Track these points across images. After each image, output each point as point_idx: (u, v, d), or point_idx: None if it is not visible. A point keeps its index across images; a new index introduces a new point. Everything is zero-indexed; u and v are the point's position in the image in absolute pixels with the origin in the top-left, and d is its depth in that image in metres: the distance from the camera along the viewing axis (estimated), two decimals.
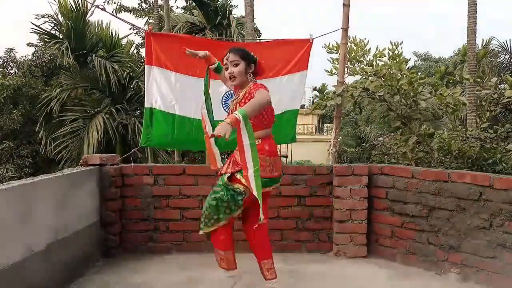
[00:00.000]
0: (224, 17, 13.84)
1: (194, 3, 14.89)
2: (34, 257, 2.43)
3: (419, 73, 5.52)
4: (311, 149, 22.77)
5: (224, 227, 2.44)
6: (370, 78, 4.77)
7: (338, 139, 4.61)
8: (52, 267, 2.64)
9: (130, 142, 11.17)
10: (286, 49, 4.10)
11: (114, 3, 19.57)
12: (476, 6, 8.51)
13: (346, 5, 4.24)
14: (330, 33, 4.30)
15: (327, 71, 5.01)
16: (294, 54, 4.05)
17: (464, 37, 9.77)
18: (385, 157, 6.73)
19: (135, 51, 16.21)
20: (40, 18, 12.25)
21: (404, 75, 4.55)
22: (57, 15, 12.19)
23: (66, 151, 10.97)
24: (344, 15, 4.24)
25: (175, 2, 37.81)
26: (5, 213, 2.21)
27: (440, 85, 5.10)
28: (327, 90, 24.69)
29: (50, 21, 12.34)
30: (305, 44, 4.05)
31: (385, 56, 4.97)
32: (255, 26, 10.09)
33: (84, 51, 11.83)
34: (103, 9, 3.94)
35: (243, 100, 2.42)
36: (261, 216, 2.26)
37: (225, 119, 2.09)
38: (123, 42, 13.45)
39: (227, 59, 2.49)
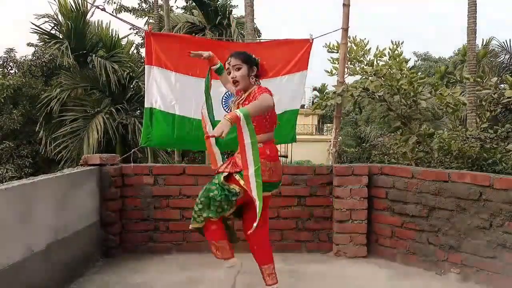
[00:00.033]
0: (224, 17, 13.84)
1: (194, 3, 14.89)
2: (34, 257, 2.43)
3: (419, 73, 5.52)
4: (311, 149, 22.75)
5: (219, 231, 2.46)
6: (370, 78, 4.77)
7: (338, 139, 4.61)
8: (52, 267, 2.64)
9: (130, 142, 11.18)
10: (286, 49, 4.10)
11: (114, 3, 19.60)
12: (476, 6, 8.51)
13: (346, 5, 4.25)
14: (330, 33, 4.31)
15: (327, 71, 5.01)
16: (294, 54, 4.05)
17: (464, 37, 9.79)
18: (385, 157, 6.73)
19: (135, 51, 16.24)
20: (40, 18, 12.26)
21: (404, 75, 4.55)
22: (57, 15, 12.20)
23: (66, 151, 10.97)
24: (344, 15, 4.25)
25: (175, 2, 37.82)
26: (5, 213, 2.21)
27: (440, 85, 5.10)
28: (327, 90, 24.69)
29: (50, 21, 12.35)
30: (305, 44, 4.05)
31: (385, 55, 4.97)
32: (255, 26, 10.09)
33: (84, 51, 11.84)
34: (103, 10, 3.94)
35: (246, 102, 2.40)
36: (255, 223, 2.23)
37: (225, 116, 2.09)
38: (123, 42, 13.46)
39: (229, 64, 2.49)
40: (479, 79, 5.16)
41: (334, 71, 4.90)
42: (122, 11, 19.70)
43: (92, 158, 3.40)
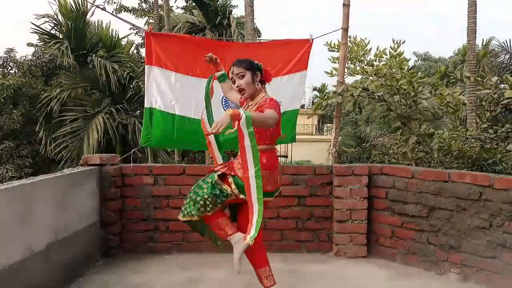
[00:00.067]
0: (224, 17, 13.83)
1: (194, 3, 14.87)
2: (34, 257, 2.43)
3: (419, 73, 5.53)
4: (311, 149, 22.74)
5: (216, 213, 2.46)
6: (370, 78, 4.77)
7: (338, 139, 4.60)
8: (52, 267, 2.64)
9: (130, 142, 11.17)
10: (286, 49, 4.10)
11: (114, 3, 19.59)
12: (476, 6, 8.50)
13: (346, 5, 4.24)
14: (330, 33, 4.31)
15: (327, 72, 5.02)
16: (294, 54, 4.05)
17: (464, 37, 9.76)
18: (385, 157, 6.72)
19: (135, 51, 16.24)
20: (40, 18, 12.25)
21: (404, 75, 4.55)
22: (57, 15, 12.19)
23: (66, 151, 10.96)
24: (344, 15, 4.25)
25: (175, 2, 37.82)
26: (5, 213, 2.21)
27: (440, 85, 5.10)
28: (327, 90, 24.70)
29: (50, 21, 12.34)
30: (305, 44, 4.05)
31: (386, 55, 4.97)
32: (255, 26, 10.08)
33: (84, 51, 11.83)
34: (103, 9, 3.94)
35: (253, 110, 2.38)
36: (251, 233, 2.22)
37: (227, 110, 2.09)
38: (123, 42, 13.44)
39: (232, 73, 2.49)
40: (479, 79, 5.16)
41: (334, 72, 4.90)
42: (122, 11, 19.69)
43: (92, 158, 3.41)
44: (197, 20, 14.15)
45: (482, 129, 5.04)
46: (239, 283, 2.89)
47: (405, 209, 3.25)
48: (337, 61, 4.86)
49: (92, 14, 12.34)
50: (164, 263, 3.30)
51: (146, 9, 19.98)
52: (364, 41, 5.11)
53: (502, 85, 5.45)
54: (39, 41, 13.04)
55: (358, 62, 5.14)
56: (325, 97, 4.72)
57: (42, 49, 13.47)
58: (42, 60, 13.44)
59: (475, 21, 8.50)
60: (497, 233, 2.75)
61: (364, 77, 5.02)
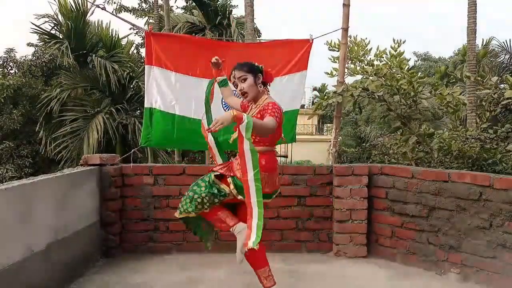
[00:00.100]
0: (224, 17, 13.82)
1: (194, 3, 14.87)
2: (34, 257, 2.43)
3: (419, 73, 5.53)
4: (311, 149, 22.74)
5: (214, 209, 2.47)
6: (370, 77, 4.77)
7: (338, 139, 4.61)
8: (52, 267, 2.64)
9: (130, 142, 11.17)
10: (286, 49, 4.11)
11: (114, 3, 19.58)
12: (476, 6, 8.50)
13: (346, 5, 4.25)
14: (330, 33, 4.32)
15: (327, 73, 5.02)
16: (294, 54, 4.05)
17: (464, 37, 9.76)
18: (385, 157, 6.72)
19: (135, 51, 16.23)
20: (40, 18, 12.24)
21: (404, 76, 4.55)
22: (57, 15, 12.19)
23: (66, 151, 10.96)
24: (344, 15, 4.25)
25: (175, 2, 37.83)
26: (5, 213, 2.21)
27: (440, 85, 5.10)
28: (327, 90, 24.69)
29: (50, 21, 12.33)
30: (305, 44, 4.05)
31: (386, 55, 4.97)
32: (255, 26, 10.08)
33: (84, 51, 11.83)
34: (103, 9, 3.94)
35: (258, 115, 2.38)
36: (253, 239, 2.22)
37: (232, 110, 2.09)
38: (123, 42, 13.44)
39: (234, 77, 2.49)
40: (479, 79, 5.17)
41: (334, 72, 4.91)
42: (122, 11, 19.68)
43: (92, 158, 3.41)
44: (197, 20, 14.15)
45: (482, 129, 5.04)
46: (239, 283, 2.89)
47: (405, 209, 3.25)
48: (337, 61, 4.86)
49: (92, 14, 12.33)
50: (164, 263, 3.30)
51: (146, 9, 19.98)
52: (364, 41, 5.11)
53: (502, 85, 5.45)
54: (39, 41, 13.04)
55: (358, 62, 5.14)
56: (325, 97, 4.72)
57: (42, 49, 13.47)
58: (42, 60, 13.44)
59: (475, 21, 8.50)
60: (497, 233, 2.75)
61: (364, 77, 5.02)
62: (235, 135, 2.18)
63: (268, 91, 2.55)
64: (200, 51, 3.84)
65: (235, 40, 12.19)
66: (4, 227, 2.19)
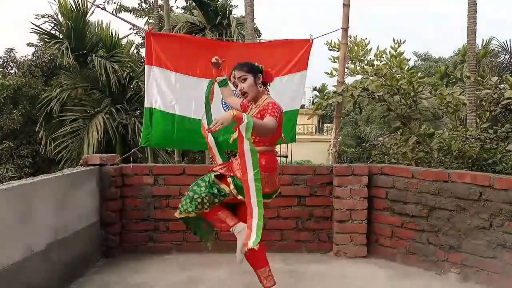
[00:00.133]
0: (224, 17, 13.82)
1: (194, 3, 14.86)
2: (34, 257, 2.43)
3: (419, 73, 5.53)
4: (311, 149, 22.75)
5: (214, 209, 2.47)
6: (370, 77, 4.77)
7: (338, 139, 4.61)
8: (52, 267, 2.64)
9: (130, 142, 11.17)
10: (286, 49, 4.11)
11: (114, 3, 19.60)
12: (476, 6, 8.49)
13: (346, 5, 4.25)
14: (330, 33, 4.32)
15: (327, 73, 5.02)
16: (294, 54, 4.05)
17: (464, 37, 9.74)
18: (385, 157, 6.72)
19: (135, 51, 16.23)
20: (40, 18, 12.24)
21: (404, 76, 4.56)
22: (57, 15, 12.18)
23: (66, 151, 10.96)
24: (344, 15, 4.25)
25: (175, 2, 37.81)
26: (5, 213, 2.21)
27: (440, 85, 5.10)
28: (327, 90, 24.69)
29: (50, 21, 12.33)
30: (305, 44, 4.06)
31: (386, 54, 4.98)
32: (255, 26, 10.07)
33: (84, 51, 11.83)
34: (103, 8, 3.94)
35: (258, 115, 2.39)
36: (252, 240, 2.22)
37: (232, 110, 2.09)
38: (123, 42, 13.44)
39: (234, 77, 2.49)
40: (479, 78, 5.16)
41: (334, 73, 4.91)
42: (122, 11, 19.69)
43: (92, 158, 3.41)
44: (197, 20, 14.14)
45: (482, 129, 5.04)
46: (239, 283, 2.89)
47: (405, 209, 3.25)
48: (337, 61, 4.86)
49: (92, 14, 12.33)
50: (164, 263, 3.30)
51: (146, 9, 19.97)
52: (364, 41, 5.11)
53: (502, 85, 5.45)
54: (39, 41, 13.04)
55: (358, 62, 5.14)
56: (325, 97, 4.72)
57: (42, 49, 13.46)
58: (42, 60, 13.44)
59: (475, 21, 8.49)
60: (497, 233, 2.75)
61: (364, 77, 5.02)
62: (235, 135, 2.18)
63: (268, 91, 2.55)
64: (200, 51, 3.84)
65: (235, 40, 12.18)
66: (4, 227, 2.19)
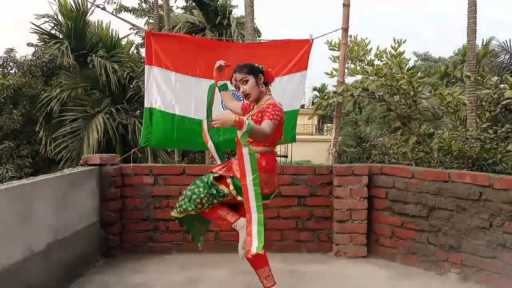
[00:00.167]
0: (224, 17, 13.81)
1: (194, 3, 14.86)
2: (34, 257, 2.43)
3: (419, 73, 5.53)
4: (311, 149, 22.76)
5: (214, 207, 2.48)
6: (370, 77, 4.77)
7: (338, 139, 4.61)
8: (52, 267, 2.64)
9: (130, 142, 11.16)
10: (286, 49, 4.10)
11: (114, 3, 19.59)
12: (476, 6, 8.49)
13: (346, 5, 4.25)
14: (330, 33, 4.32)
15: (327, 73, 5.02)
16: (294, 54, 4.05)
17: (464, 37, 9.74)
18: (385, 157, 6.72)
19: (135, 51, 16.22)
20: (40, 18, 12.23)
21: (404, 76, 4.56)
22: (57, 15, 12.17)
23: (66, 151, 10.96)
24: (344, 15, 4.25)
25: (175, 2, 37.80)
26: (5, 213, 2.21)
27: (440, 85, 5.10)
28: (327, 90, 24.68)
29: (50, 21, 12.31)
30: (305, 45, 4.06)
31: (386, 54, 4.98)
32: (255, 26, 10.07)
33: (84, 51, 11.82)
34: (103, 9, 3.94)
35: (255, 114, 2.40)
36: (255, 246, 2.22)
37: (235, 113, 2.10)
38: (123, 42, 13.43)
39: (235, 80, 2.50)
40: (479, 78, 5.16)
41: (334, 73, 4.91)
42: (122, 11, 19.68)
43: (92, 158, 3.41)
44: (197, 20, 14.14)
45: (482, 129, 5.04)
46: (239, 283, 2.89)
47: (405, 209, 3.25)
48: (337, 60, 4.86)
49: (92, 14, 12.32)
50: (164, 263, 3.30)
51: (146, 9, 19.97)
52: (364, 41, 5.11)
53: (502, 85, 5.45)
54: (39, 41, 13.03)
55: (358, 62, 5.14)
56: (325, 97, 4.72)
57: (42, 49, 13.46)
58: (42, 60, 13.44)
59: (475, 21, 8.49)
60: (497, 233, 2.75)
61: (364, 77, 5.03)
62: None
63: (270, 91, 2.55)
64: (200, 51, 3.84)
65: (235, 40, 12.19)
66: (4, 227, 2.19)
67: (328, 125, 29.15)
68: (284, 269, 3.10)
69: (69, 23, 11.54)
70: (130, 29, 20.20)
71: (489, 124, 5.13)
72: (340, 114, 4.60)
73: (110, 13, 4.60)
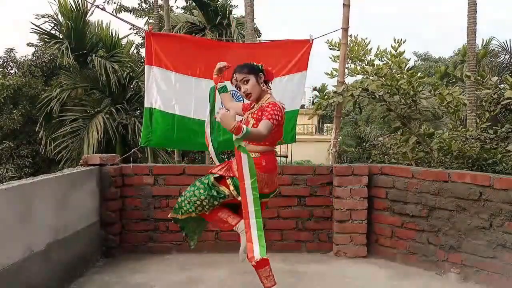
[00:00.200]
0: (224, 17, 13.81)
1: (194, 3, 14.87)
2: (34, 257, 2.43)
3: (419, 73, 5.53)
4: (311, 149, 22.76)
5: (214, 210, 2.49)
6: (371, 77, 4.77)
7: (338, 139, 4.61)
8: (52, 267, 2.64)
9: (130, 142, 11.16)
10: (286, 49, 4.11)
11: (114, 3, 19.59)
12: (476, 6, 8.49)
13: (346, 5, 4.25)
14: (330, 33, 4.32)
15: (327, 73, 5.02)
16: (294, 54, 4.05)
17: (464, 37, 9.73)
18: (385, 157, 6.73)
19: (135, 51, 16.22)
20: (40, 18, 12.23)
21: (404, 75, 4.56)
22: (57, 15, 12.17)
23: (66, 151, 10.95)
24: (344, 15, 4.25)
25: (175, 2, 37.80)
26: (5, 213, 2.21)
27: (440, 85, 5.10)
28: (327, 90, 24.68)
29: (50, 21, 12.31)
30: (305, 45, 4.06)
31: (386, 54, 4.98)
32: (255, 26, 10.07)
33: (84, 51, 11.82)
34: (103, 9, 3.94)
35: (255, 112, 2.42)
36: (256, 252, 2.23)
37: (236, 119, 2.11)
38: (123, 42, 13.43)
39: (236, 80, 2.50)
40: (479, 78, 5.16)
41: (334, 73, 4.91)
42: (122, 11, 19.69)
43: (92, 158, 3.41)
44: (197, 20, 14.14)
45: (482, 129, 5.04)
46: (239, 283, 2.89)
47: (405, 209, 3.25)
48: (337, 60, 4.86)
49: (92, 14, 12.32)
50: (164, 263, 3.30)
51: (146, 9, 19.97)
52: (364, 40, 5.11)
53: (502, 85, 5.45)
54: (39, 41, 13.03)
55: (358, 62, 5.14)
56: (325, 97, 4.72)
57: (42, 49, 13.45)
58: (42, 60, 13.43)
59: (475, 21, 8.49)
60: (497, 233, 2.75)
61: (365, 77, 5.03)
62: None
63: (270, 89, 2.55)
64: (200, 51, 3.84)
65: (235, 40, 12.19)
66: (4, 227, 2.19)
67: (328, 125, 29.14)
68: (284, 269, 3.10)
69: (69, 23, 11.53)
70: (130, 29, 20.22)
71: (489, 124, 5.13)
72: (340, 114, 4.60)
73: (110, 13, 4.60)
